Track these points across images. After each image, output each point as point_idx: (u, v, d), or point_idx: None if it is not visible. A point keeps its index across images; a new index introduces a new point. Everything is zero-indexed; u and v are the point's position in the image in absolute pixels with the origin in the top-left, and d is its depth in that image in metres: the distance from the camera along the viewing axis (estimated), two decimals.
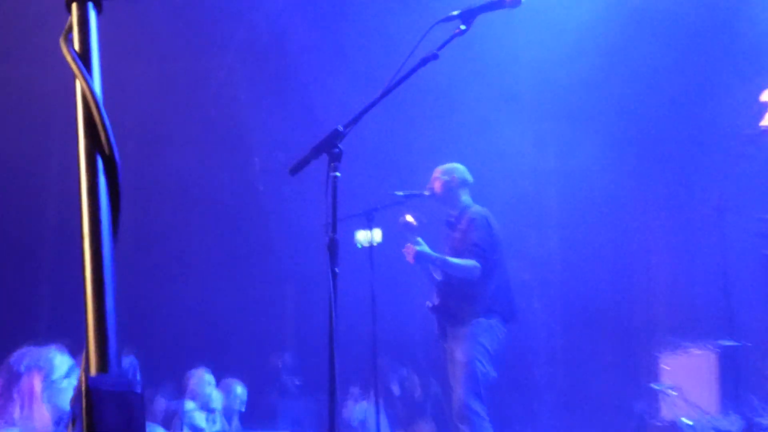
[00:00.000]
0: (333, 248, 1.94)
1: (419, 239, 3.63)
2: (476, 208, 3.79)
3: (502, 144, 5.31)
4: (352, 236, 3.54)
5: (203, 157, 6.01)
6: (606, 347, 5.41)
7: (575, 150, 5.25)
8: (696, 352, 3.81)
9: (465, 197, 3.87)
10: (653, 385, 3.99)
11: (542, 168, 5.66)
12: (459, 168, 3.92)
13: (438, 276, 3.73)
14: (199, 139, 5.95)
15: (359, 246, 3.50)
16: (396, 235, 3.75)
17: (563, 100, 5.26)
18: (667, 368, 4.04)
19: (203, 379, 4.55)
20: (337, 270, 1.92)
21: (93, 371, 0.54)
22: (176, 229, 6.11)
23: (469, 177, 3.91)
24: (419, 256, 3.57)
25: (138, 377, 3.73)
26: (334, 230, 1.95)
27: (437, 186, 3.78)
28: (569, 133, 5.31)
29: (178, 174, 5.87)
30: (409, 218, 3.61)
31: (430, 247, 3.66)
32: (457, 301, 3.67)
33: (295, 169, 2.04)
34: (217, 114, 6.00)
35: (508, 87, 5.42)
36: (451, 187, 3.83)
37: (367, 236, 3.50)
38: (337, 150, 1.99)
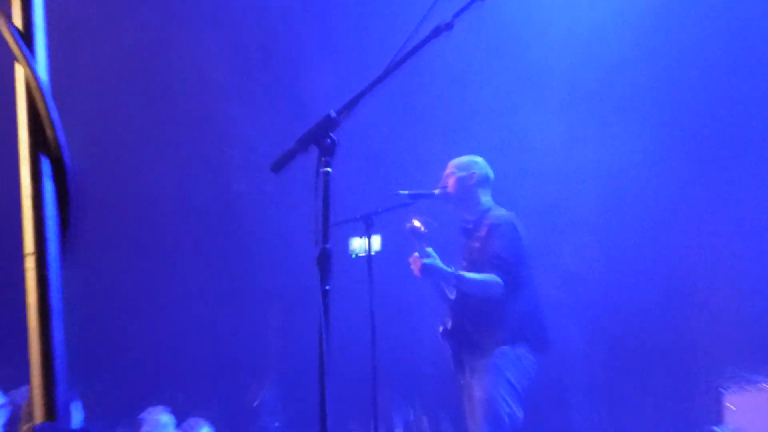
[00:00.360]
0: (324, 261, 1.96)
1: (429, 249, 3.63)
2: (499, 212, 3.80)
3: (528, 135, 5.35)
4: (346, 245, 3.58)
5: (170, 153, 5.97)
6: (657, 382, 5.43)
7: (615, 143, 5.24)
8: None
9: (485, 198, 3.87)
10: (716, 429, 4.04)
11: (577, 164, 5.60)
12: (478, 162, 3.92)
13: (452, 294, 3.75)
14: (164, 134, 5.93)
15: (354, 256, 3.56)
16: (400, 243, 3.78)
17: (601, 83, 5.26)
18: (733, 408, 4.06)
19: (159, 421, 4.51)
20: (328, 288, 1.94)
21: (38, 419, 0.53)
22: (136, 238, 6.02)
23: (490, 173, 3.91)
24: (428, 269, 3.57)
25: (82, 422, 3.71)
26: (326, 239, 1.96)
27: (451, 184, 3.80)
28: (609, 123, 5.31)
29: (138, 172, 5.85)
30: (417, 223, 3.61)
31: (443, 259, 3.65)
32: (477, 325, 3.69)
33: (279, 165, 2.04)
34: (186, 101, 5.93)
35: (534, 66, 5.43)
36: (469, 185, 3.83)
37: (365, 245, 3.55)
38: (329, 141, 2.01)
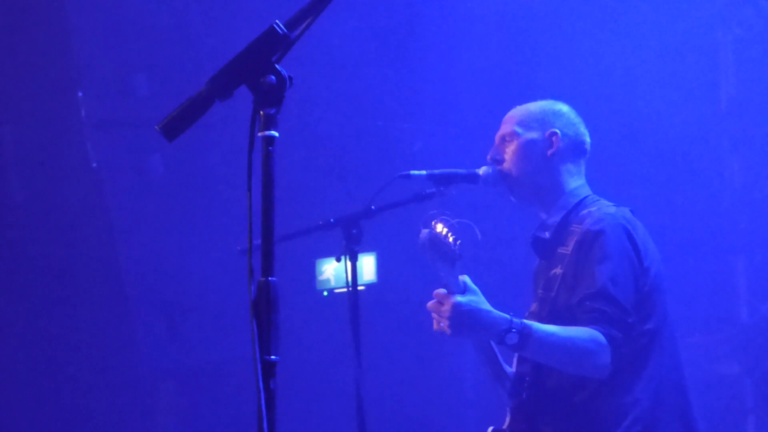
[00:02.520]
0: (264, 309, 1.96)
1: (465, 279, 3.40)
2: (603, 208, 3.67)
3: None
4: (312, 275, 3.44)
5: None
6: None
7: None
8: None
9: (576, 182, 3.76)
10: None
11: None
12: (563, 112, 3.81)
13: (512, 366, 3.67)
14: None
15: (325, 293, 3.59)
16: (411, 269, 3.82)
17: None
18: None
19: None
20: (274, 358, 1.95)
21: None
22: None
23: (584, 134, 3.81)
24: (466, 317, 3.36)
25: None
26: (268, 265, 1.99)
27: (512, 154, 3.73)
28: None
29: None
30: (442, 230, 3.35)
31: (493, 297, 3.47)
32: (565, 424, 3.55)
33: (172, 127, 2.06)
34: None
35: None
36: (546, 156, 3.72)
37: (345, 273, 3.55)
38: (273, 78, 2.04)
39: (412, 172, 3.69)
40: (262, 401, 1.93)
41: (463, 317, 3.32)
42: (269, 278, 1.98)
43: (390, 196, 3.74)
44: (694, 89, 6.32)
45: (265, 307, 1.97)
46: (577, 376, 3.47)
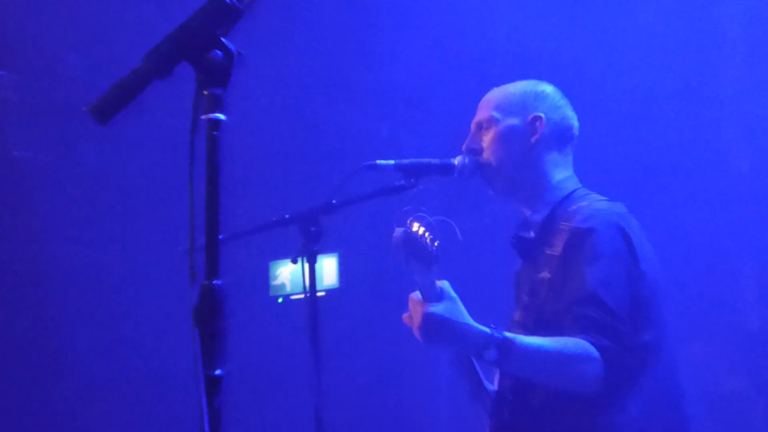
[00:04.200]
0: (208, 317, 1.97)
1: (442, 285, 3.41)
2: (594, 203, 3.68)
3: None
4: (265, 278, 3.52)
5: None
6: None
7: None
8: None
9: (562, 174, 3.79)
10: None
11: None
12: (547, 94, 3.84)
13: (493, 383, 3.72)
14: None
15: (280, 300, 3.63)
16: (381, 273, 3.89)
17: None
18: None
19: None
20: (218, 373, 1.96)
21: None
22: None
23: (572, 118, 3.84)
24: (440, 326, 3.34)
25: None
26: (213, 267, 2.01)
27: (491, 141, 3.76)
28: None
29: None
30: (418, 229, 3.37)
31: (476, 304, 3.48)
32: None
33: (104, 108, 2.06)
34: None
35: None
36: (529, 144, 3.75)
37: (302, 276, 3.56)
38: (220, 55, 2.06)
39: (378, 161, 3.67)
40: (206, 421, 1.93)
41: (437, 328, 3.31)
42: (213, 282, 1.98)
43: (354, 189, 3.71)
44: (697, 77, 6.43)
45: (208, 315, 1.97)
46: (565, 394, 3.45)
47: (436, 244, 3.35)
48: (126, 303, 6.13)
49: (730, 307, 6.52)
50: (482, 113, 3.75)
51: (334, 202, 3.66)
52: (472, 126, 3.78)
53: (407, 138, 6.20)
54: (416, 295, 3.37)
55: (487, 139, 3.71)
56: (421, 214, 3.44)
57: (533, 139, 3.68)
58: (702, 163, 6.60)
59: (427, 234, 3.35)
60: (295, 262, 3.63)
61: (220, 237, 2.03)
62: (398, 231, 3.35)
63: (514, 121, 3.71)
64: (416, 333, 3.38)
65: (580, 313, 3.39)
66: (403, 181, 3.71)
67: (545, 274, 3.59)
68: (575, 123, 3.80)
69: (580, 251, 3.49)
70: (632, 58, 6.54)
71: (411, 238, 3.34)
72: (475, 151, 3.73)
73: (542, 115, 3.70)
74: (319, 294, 3.59)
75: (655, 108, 6.57)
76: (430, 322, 3.28)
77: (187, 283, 2.00)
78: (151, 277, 5.38)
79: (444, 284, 3.36)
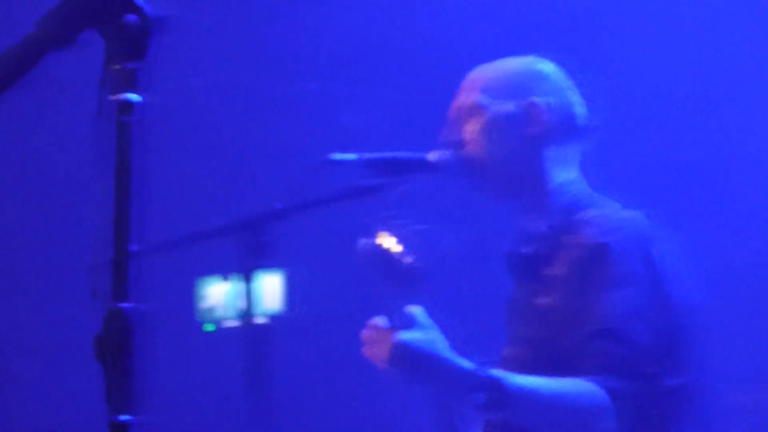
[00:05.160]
0: (116, 344, 2.00)
1: (414, 310, 3.44)
2: (610, 212, 3.74)
3: None
4: (189, 300, 3.67)
5: None
6: None
7: None
8: None
9: (566, 173, 3.83)
10: None
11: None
12: (549, 75, 3.87)
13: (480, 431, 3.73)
14: None
15: (211, 327, 3.62)
16: (342, 294, 4.05)
17: None
18: None
19: None
20: (128, 419, 1.99)
21: None
22: None
23: (577, 105, 3.86)
24: (410, 358, 3.39)
25: None
26: (123, 285, 2.03)
27: (476, 133, 3.78)
28: None
29: None
30: (385, 242, 3.39)
31: (452, 335, 3.49)
32: None
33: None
34: None
35: None
36: (524, 136, 3.78)
37: (239, 298, 3.57)
38: (135, 20, 2.09)
39: (337, 155, 3.67)
40: None
41: (409, 361, 3.34)
42: (122, 305, 1.99)
43: (308, 191, 3.71)
44: (742, 71, 6.52)
45: (114, 346, 1.97)
46: None
47: (412, 259, 3.42)
48: (10, 330, 6.09)
49: None
50: (465, 97, 3.77)
51: (280, 206, 3.64)
52: (453, 112, 3.80)
53: (378, 125, 6.20)
54: (380, 321, 3.41)
55: (471, 129, 3.73)
56: (397, 220, 3.50)
57: (528, 131, 3.70)
58: (746, 164, 6.58)
59: (401, 247, 3.43)
60: (229, 280, 3.67)
61: (132, 248, 2.03)
62: (363, 243, 3.44)
63: (505, 107, 3.72)
64: (379, 364, 3.41)
65: (593, 350, 3.42)
66: (372, 180, 3.70)
67: (546, 300, 3.61)
68: (581, 111, 3.80)
69: (594, 273, 3.51)
70: (660, 31, 6.56)
71: (380, 253, 3.43)
72: (456, 144, 3.74)
73: (540, 101, 3.72)
74: (258, 321, 3.58)
75: (686, 94, 6.56)
76: (399, 353, 3.32)
77: (89, 306, 2.00)
78: (44, 297, 5.37)
79: (417, 310, 3.38)
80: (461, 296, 5.47)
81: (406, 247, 3.43)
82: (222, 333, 3.60)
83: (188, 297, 3.59)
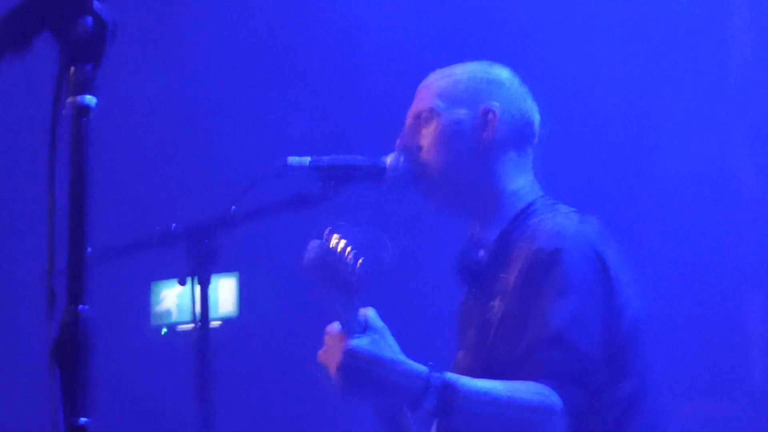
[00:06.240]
0: (72, 347, 2.00)
1: (368, 314, 3.47)
2: (561, 217, 3.72)
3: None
4: (143, 304, 3.69)
5: None
6: None
7: None
8: None
9: (520, 180, 3.83)
10: None
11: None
12: (502, 81, 3.87)
13: None
14: None
15: (163, 331, 3.72)
16: (292, 299, 4.03)
17: None
18: None
19: None
20: (85, 421, 1.98)
21: None
22: None
23: (532, 111, 3.86)
24: (361, 366, 3.38)
25: None
26: (78, 289, 2.03)
27: (430, 138, 3.78)
28: None
29: None
30: (338, 243, 3.46)
31: (404, 340, 3.51)
32: None
33: None
34: None
35: None
36: (479, 141, 3.77)
37: (190, 302, 3.57)
38: (90, 23, 2.08)
39: (290, 160, 3.65)
40: None
41: (360, 367, 3.33)
42: (78, 308, 1.98)
43: (259, 197, 3.69)
44: (698, 71, 6.55)
45: (70, 350, 1.97)
46: None
47: (360, 262, 3.40)
48: None
49: (735, 353, 6.55)
50: (421, 102, 3.77)
51: (233, 211, 3.64)
52: (409, 117, 3.79)
53: (331, 132, 6.21)
54: (335, 327, 3.41)
55: (426, 134, 3.72)
56: (344, 224, 3.49)
57: (485, 137, 3.69)
58: (697, 169, 6.61)
59: (349, 250, 3.42)
60: (183, 283, 3.60)
61: (88, 251, 2.02)
62: (313, 246, 3.41)
63: (460, 113, 3.71)
64: (333, 375, 3.38)
65: (542, 359, 3.41)
66: (322, 187, 3.69)
67: (497, 304, 3.61)
68: (536, 117, 3.80)
69: (544, 280, 3.51)
70: (618, 39, 6.61)
71: (329, 256, 3.40)
72: (411, 150, 3.74)
73: (496, 106, 3.71)
74: (213, 324, 3.59)
75: (640, 99, 6.66)
76: (351, 359, 3.31)
77: (44, 310, 1.99)
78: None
79: (369, 312, 3.40)
80: (410, 302, 5.47)
81: (353, 249, 3.42)
82: (175, 336, 3.60)
83: (143, 300, 3.57)
